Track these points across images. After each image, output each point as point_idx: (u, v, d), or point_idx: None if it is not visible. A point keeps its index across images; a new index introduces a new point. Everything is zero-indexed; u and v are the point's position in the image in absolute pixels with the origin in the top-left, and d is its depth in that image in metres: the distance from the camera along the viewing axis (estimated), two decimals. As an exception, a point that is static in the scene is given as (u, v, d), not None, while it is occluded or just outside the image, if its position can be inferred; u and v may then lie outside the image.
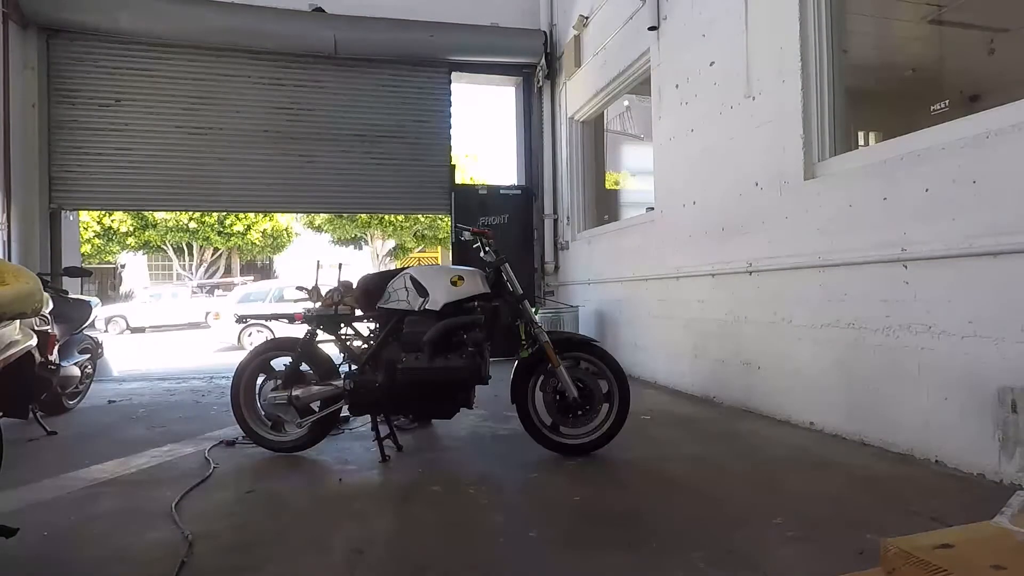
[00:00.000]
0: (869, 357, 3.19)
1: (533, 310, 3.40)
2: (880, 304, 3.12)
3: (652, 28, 5.23)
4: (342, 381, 3.20)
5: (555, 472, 2.96)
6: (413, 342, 3.10)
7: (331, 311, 3.36)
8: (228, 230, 20.72)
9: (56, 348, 4.09)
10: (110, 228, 19.59)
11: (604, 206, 7.85)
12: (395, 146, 7.37)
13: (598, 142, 7.79)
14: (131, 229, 19.92)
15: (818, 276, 3.52)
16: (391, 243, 23.01)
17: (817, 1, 3.59)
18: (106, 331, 16.46)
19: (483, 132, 32.77)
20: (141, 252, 22.09)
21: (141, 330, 18.34)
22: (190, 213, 19.14)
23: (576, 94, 7.16)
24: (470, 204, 7.63)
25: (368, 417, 3.37)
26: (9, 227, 5.88)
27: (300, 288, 3.74)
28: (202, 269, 22.96)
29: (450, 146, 7.62)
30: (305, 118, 7.11)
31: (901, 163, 3.00)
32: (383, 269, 23.54)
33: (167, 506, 2.54)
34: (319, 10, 6.97)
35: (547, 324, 6.23)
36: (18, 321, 2.14)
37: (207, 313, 16.48)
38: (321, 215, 19.72)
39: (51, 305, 4.09)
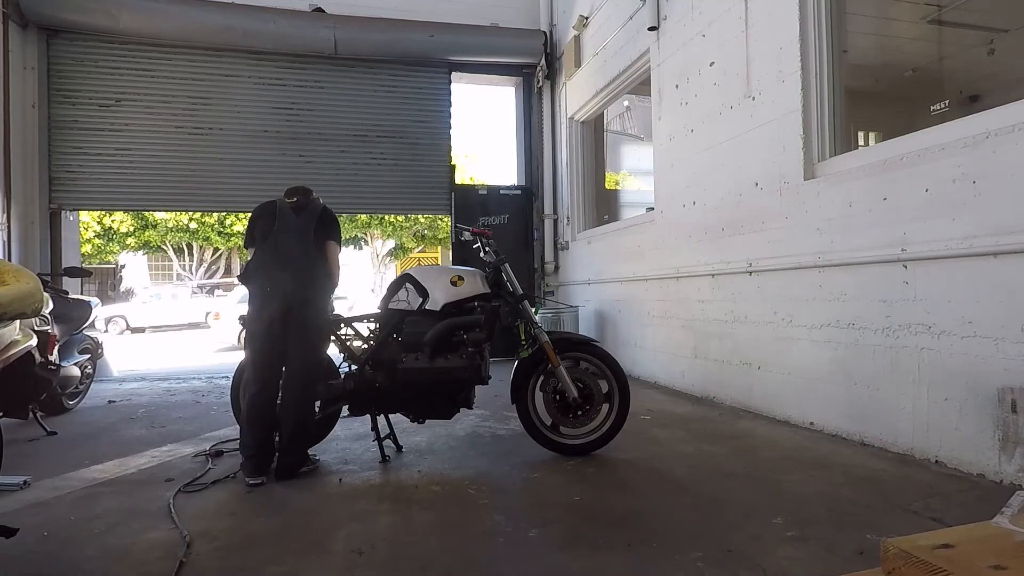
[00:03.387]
0: (869, 357, 3.19)
1: (533, 310, 3.40)
2: (880, 304, 3.12)
3: (652, 28, 5.23)
4: (342, 381, 3.20)
5: (555, 472, 2.96)
6: (413, 342, 3.10)
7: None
8: (228, 230, 20.69)
9: (56, 348, 4.09)
10: (110, 228, 19.58)
11: (604, 206, 7.85)
12: (395, 146, 7.38)
13: (598, 142, 7.79)
14: (131, 229, 19.90)
15: (818, 276, 3.52)
16: (391, 243, 23.00)
17: (817, 1, 3.59)
18: (106, 331, 16.46)
19: (483, 132, 32.82)
20: (141, 252, 22.06)
21: (141, 330, 18.34)
22: (190, 213, 19.13)
23: (576, 94, 7.16)
24: (470, 204, 7.63)
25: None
26: (9, 227, 5.88)
27: None
28: (202, 269, 22.95)
29: (450, 146, 7.62)
30: (305, 118, 7.11)
31: (901, 163, 3.00)
32: (382, 269, 23.55)
33: (167, 506, 2.54)
34: (319, 10, 6.97)
35: (547, 324, 6.23)
36: (18, 321, 2.15)
37: (207, 313, 16.48)
38: (321, 215, 19.70)
39: (51, 305, 4.09)
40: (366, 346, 3.30)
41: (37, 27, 6.26)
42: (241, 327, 3.15)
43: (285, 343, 2.98)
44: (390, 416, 3.35)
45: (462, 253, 7.08)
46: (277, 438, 3.02)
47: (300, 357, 3.01)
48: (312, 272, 3.05)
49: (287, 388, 3.02)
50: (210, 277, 22.98)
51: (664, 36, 5.15)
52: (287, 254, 3.03)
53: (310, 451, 3.11)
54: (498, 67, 7.89)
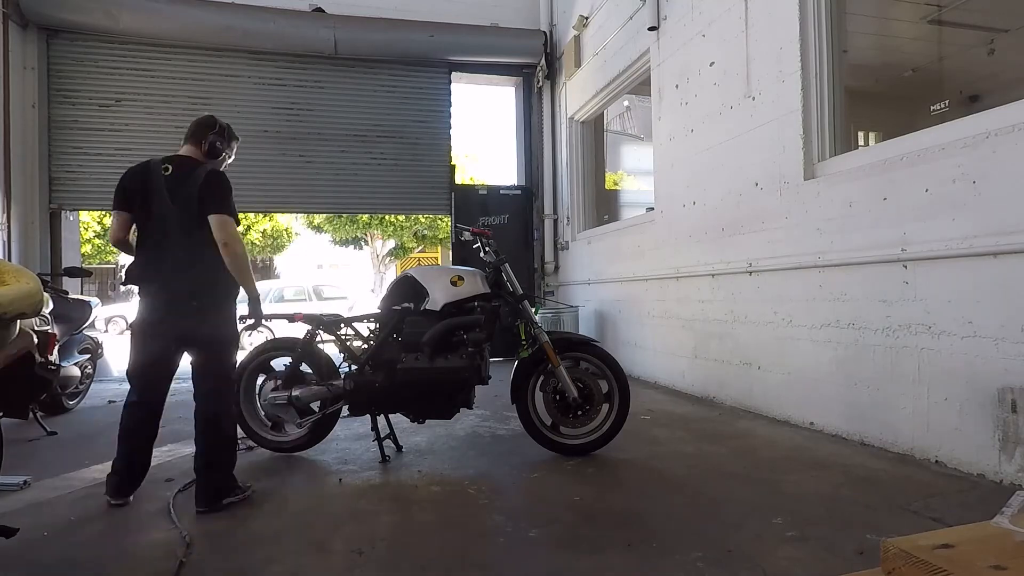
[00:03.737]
0: (869, 357, 3.19)
1: (533, 310, 3.40)
2: (880, 304, 3.12)
3: (652, 28, 5.23)
4: (342, 381, 3.20)
5: (555, 472, 2.96)
6: (413, 342, 3.10)
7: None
8: (228, 230, 20.68)
9: (56, 348, 4.09)
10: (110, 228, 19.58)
11: (604, 206, 7.85)
12: (395, 146, 7.37)
13: (598, 142, 7.79)
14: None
15: (818, 276, 3.52)
16: (391, 243, 22.99)
17: (817, 1, 3.59)
18: (106, 331, 16.45)
19: (483, 132, 32.83)
20: (141, 252, 22.03)
21: (141, 330, 18.30)
22: (190, 213, 19.09)
23: (576, 94, 7.16)
24: (470, 204, 7.63)
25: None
26: (9, 227, 5.88)
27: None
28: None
29: (450, 146, 7.61)
30: (305, 118, 7.10)
31: (901, 163, 3.00)
32: (382, 269, 23.54)
33: (167, 506, 2.54)
34: (319, 10, 6.97)
35: (547, 324, 6.23)
36: (18, 321, 2.14)
37: (207, 313, 16.43)
38: (321, 215, 19.71)
39: (51, 305, 4.09)
40: (366, 346, 3.30)
41: (37, 27, 6.25)
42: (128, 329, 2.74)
43: (178, 359, 2.67)
44: (390, 416, 3.35)
45: (462, 253, 7.07)
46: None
47: (209, 378, 2.64)
48: (198, 270, 2.54)
49: (202, 410, 2.64)
50: (210, 277, 22.92)
51: (664, 36, 5.15)
52: (166, 247, 2.55)
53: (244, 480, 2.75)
54: (498, 67, 7.88)
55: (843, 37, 3.73)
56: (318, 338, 3.33)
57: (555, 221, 7.86)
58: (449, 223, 8.53)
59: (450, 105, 7.61)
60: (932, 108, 5.05)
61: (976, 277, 2.64)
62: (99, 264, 21.16)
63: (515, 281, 3.29)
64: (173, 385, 2.78)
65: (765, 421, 3.84)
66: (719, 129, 4.39)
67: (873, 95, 6.39)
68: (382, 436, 3.22)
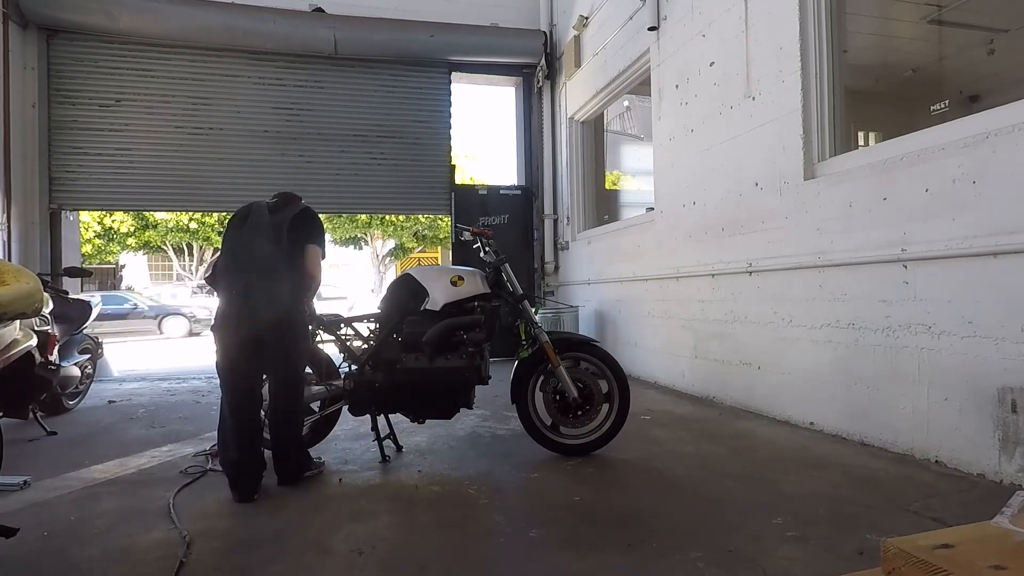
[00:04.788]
0: (869, 357, 3.19)
1: (533, 310, 3.40)
2: (880, 304, 3.12)
3: (652, 28, 5.23)
4: (342, 381, 3.19)
5: (555, 472, 2.96)
6: (413, 342, 3.10)
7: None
8: (228, 230, 20.67)
9: (56, 348, 4.09)
10: (110, 228, 19.57)
11: (604, 206, 7.85)
12: (395, 146, 7.38)
13: (598, 142, 7.79)
14: (131, 229, 19.89)
15: (818, 276, 3.52)
16: (391, 243, 22.99)
17: (817, 1, 3.59)
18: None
19: (483, 132, 32.83)
20: (141, 252, 22.06)
21: (141, 330, 18.30)
22: (190, 213, 19.12)
23: (576, 94, 7.16)
24: (470, 204, 7.63)
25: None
26: (9, 227, 5.88)
27: None
28: (202, 269, 22.93)
29: (450, 146, 7.62)
30: (305, 118, 7.11)
31: (901, 163, 3.00)
32: (382, 269, 23.53)
33: (167, 506, 2.54)
34: (319, 10, 6.98)
35: (547, 324, 6.23)
36: (18, 321, 2.14)
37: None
38: (320, 215, 19.71)
39: (51, 305, 4.09)
40: (366, 346, 3.29)
41: (37, 27, 6.26)
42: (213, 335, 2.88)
43: (262, 359, 2.82)
44: (390, 416, 3.35)
45: (462, 253, 7.07)
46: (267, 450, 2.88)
47: (285, 372, 2.88)
48: (281, 277, 2.81)
49: (277, 401, 2.87)
50: (210, 277, 22.93)
51: (664, 36, 5.15)
52: (254, 256, 2.82)
53: (313, 456, 3.05)
54: (498, 67, 7.89)
55: (843, 37, 3.72)
56: (318, 338, 3.33)
57: (555, 221, 7.86)
58: (449, 223, 8.53)
59: (450, 105, 7.61)
60: (932, 108, 5.05)
61: (976, 277, 2.64)
62: (99, 264, 21.16)
63: (515, 281, 3.29)
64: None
65: (765, 421, 3.84)
66: (719, 129, 4.39)
67: (873, 95, 6.39)
68: (382, 436, 3.22)
